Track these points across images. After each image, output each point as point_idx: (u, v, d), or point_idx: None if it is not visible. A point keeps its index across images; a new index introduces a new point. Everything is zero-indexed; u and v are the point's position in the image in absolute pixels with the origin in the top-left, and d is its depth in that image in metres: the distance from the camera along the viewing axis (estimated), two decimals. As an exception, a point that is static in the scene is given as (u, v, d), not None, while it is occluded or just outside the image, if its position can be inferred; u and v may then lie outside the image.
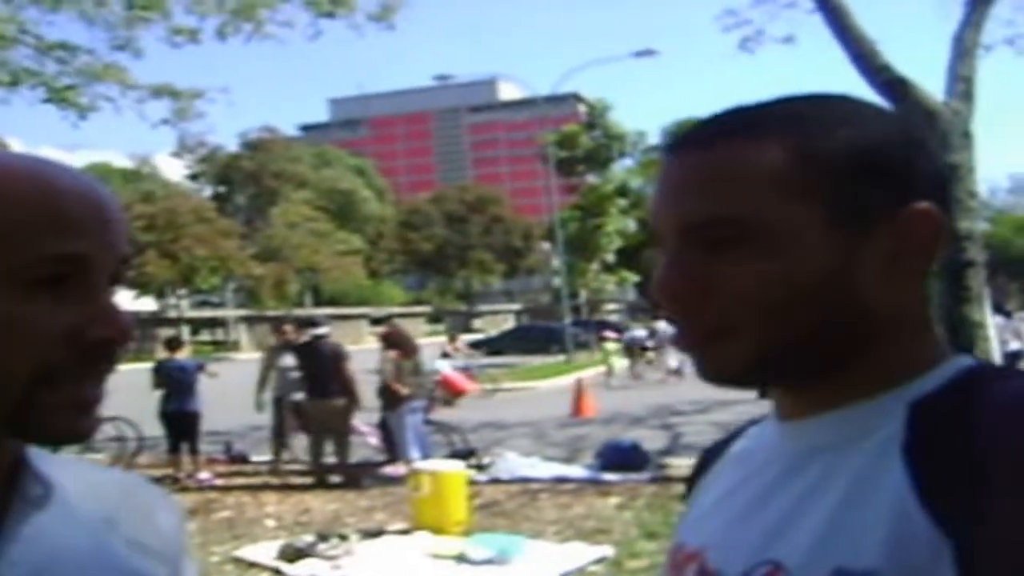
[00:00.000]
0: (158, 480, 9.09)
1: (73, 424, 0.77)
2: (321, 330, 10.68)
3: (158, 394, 10.77)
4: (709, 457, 1.00)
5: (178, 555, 0.94)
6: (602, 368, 24.00)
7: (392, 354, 10.60)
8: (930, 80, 9.18)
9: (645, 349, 24.93)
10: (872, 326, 0.78)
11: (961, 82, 9.01)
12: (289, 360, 10.85)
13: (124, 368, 0.85)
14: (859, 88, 8.98)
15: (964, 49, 9.09)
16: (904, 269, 0.78)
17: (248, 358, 45.15)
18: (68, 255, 0.76)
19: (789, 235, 0.76)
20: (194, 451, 10.91)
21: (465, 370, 21.03)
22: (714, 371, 0.82)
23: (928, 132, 0.83)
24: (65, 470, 0.87)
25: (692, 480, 1.01)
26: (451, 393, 18.64)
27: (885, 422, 0.77)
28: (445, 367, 19.46)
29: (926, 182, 0.79)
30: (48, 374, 0.75)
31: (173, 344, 11.42)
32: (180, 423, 10.70)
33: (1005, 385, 0.73)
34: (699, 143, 0.81)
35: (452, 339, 23.68)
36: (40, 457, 0.86)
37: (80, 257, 0.76)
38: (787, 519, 0.78)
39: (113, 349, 0.78)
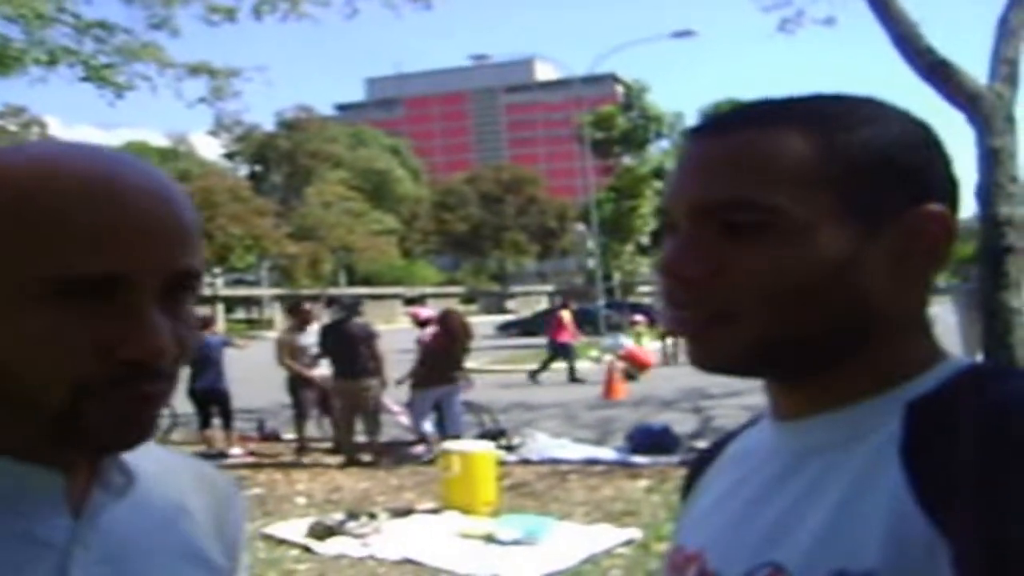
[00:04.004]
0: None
1: (119, 435, 0.76)
2: (344, 315, 10.68)
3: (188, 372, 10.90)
4: (705, 458, 0.99)
5: (239, 546, 0.98)
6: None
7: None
8: (974, 63, 9.02)
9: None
10: (873, 324, 0.78)
11: (1006, 65, 8.81)
12: (306, 339, 10.84)
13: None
14: (900, 71, 8.84)
15: (1009, 30, 8.87)
16: (910, 269, 0.78)
17: (283, 336, 45.54)
18: (95, 275, 0.71)
19: (804, 225, 0.76)
20: (227, 428, 11.04)
21: None
22: (709, 357, 0.81)
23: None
24: (147, 457, 0.89)
25: (688, 482, 1.01)
26: (637, 366, 18.78)
27: (882, 422, 0.76)
28: (629, 342, 19.51)
29: (941, 186, 0.80)
30: (85, 387, 0.73)
31: (204, 323, 11.54)
32: (208, 400, 10.86)
33: (1002, 385, 0.73)
34: (721, 129, 0.81)
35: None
36: None
37: (112, 276, 0.72)
38: (786, 521, 0.78)
39: (147, 369, 0.74)
